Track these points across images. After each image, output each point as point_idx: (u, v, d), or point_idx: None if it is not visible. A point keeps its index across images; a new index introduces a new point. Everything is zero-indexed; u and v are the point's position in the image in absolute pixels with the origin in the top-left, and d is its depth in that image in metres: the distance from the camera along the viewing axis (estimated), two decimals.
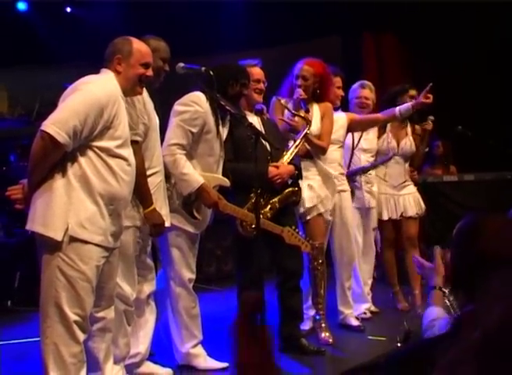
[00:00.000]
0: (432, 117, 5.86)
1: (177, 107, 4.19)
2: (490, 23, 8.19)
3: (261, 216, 4.19)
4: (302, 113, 4.79)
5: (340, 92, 5.50)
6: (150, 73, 3.51)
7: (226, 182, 4.24)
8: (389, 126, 5.90)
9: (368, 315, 5.59)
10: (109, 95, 3.25)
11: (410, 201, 5.87)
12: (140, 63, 3.46)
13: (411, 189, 5.93)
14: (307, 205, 4.88)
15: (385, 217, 5.88)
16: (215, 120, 4.18)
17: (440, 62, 8.47)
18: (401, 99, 5.73)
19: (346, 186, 5.34)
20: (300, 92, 4.84)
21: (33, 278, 5.68)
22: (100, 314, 3.38)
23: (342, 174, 5.32)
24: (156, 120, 3.92)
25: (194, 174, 4.08)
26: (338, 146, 5.30)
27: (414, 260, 2.66)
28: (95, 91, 3.23)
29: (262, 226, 4.08)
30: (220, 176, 4.26)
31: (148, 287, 4.02)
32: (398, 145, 5.85)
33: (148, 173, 3.74)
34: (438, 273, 2.37)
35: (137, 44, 3.50)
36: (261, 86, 4.62)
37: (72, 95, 3.20)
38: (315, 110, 5.02)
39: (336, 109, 5.35)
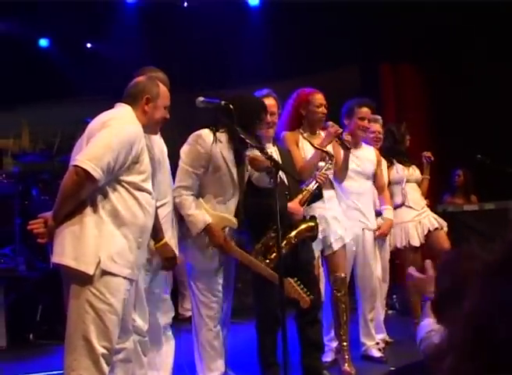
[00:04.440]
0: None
1: (182, 149, 4.20)
2: (509, 49, 8.18)
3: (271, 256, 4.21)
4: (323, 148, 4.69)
5: (364, 123, 5.31)
6: (168, 115, 3.60)
7: (234, 224, 4.20)
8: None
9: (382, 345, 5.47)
10: (137, 132, 3.32)
11: (431, 217, 5.95)
12: (164, 106, 3.54)
13: (428, 210, 6.07)
14: (334, 236, 4.83)
15: (417, 243, 5.83)
16: (227, 155, 4.15)
17: (459, 90, 8.44)
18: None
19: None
20: (332, 124, 4.76)
21: (55, 311, 5.77)
22: (121, 345, 3.36)
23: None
24: (164, 152, 3.96)
25: (199, 215, 4.08)
26: (369, 180, 5.36)
27: (408, 272, 2.61)
28: (125, 127, 3.29)
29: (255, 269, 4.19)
30: (229, 216, 4.20)
31: (164, 319, 4.04)
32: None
33: (157, 204, 3.74)
34: (433, 285, 2.34)
35: (162, 87, 3.58)
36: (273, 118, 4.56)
37: (104, 131, 3.23)
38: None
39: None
